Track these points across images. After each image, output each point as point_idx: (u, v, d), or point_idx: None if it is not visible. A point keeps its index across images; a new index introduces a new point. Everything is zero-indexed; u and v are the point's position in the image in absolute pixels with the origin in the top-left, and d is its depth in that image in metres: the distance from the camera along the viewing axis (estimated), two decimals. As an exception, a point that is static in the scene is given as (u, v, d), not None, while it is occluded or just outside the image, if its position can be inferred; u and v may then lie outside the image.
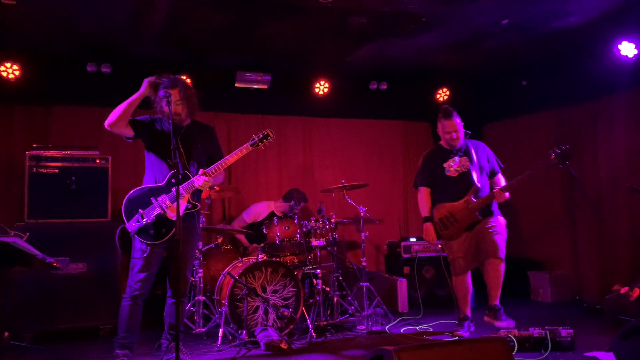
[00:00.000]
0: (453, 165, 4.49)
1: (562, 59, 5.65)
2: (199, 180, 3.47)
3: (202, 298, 4.57)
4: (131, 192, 3.58)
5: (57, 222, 4.67)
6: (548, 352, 3.79)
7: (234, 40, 5.13)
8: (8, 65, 5.17)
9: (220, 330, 4.27)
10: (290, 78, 6.18)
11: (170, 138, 3.25)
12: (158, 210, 3.46)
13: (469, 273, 4.53)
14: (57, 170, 4.76)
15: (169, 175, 3.57)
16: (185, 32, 4.94)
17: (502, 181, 4.55)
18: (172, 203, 3.46)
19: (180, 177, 3.27)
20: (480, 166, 4.52)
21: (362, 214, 5.05)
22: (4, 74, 5.17)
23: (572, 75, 5.72)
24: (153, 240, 3.48)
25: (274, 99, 6.23)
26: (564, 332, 3.92)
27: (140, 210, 3.48)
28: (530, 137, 6.45)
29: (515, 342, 3.84)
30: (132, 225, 3.48)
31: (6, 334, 4.08)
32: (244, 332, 4.24)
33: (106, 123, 3.55)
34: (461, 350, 2.54)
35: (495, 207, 4.48)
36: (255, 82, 5.99)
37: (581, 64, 5.50)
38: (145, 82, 3.52)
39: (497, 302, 4.30)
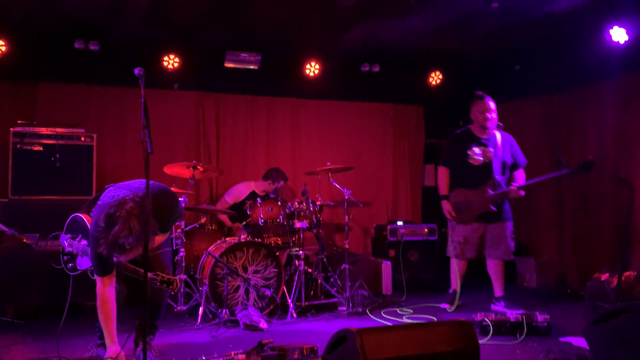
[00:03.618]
0: (476, 154, 4.66)
1: (553, 44, 5.59)
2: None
3: (183, 277, 4.59)
4: (82, 216, 3.32)
5: (41, 199, 4.70)
6: (523, 336, 3.82)
7: (222, 19, 5.09)
8: (-6, 40, 5.15)
9: (201, 309, 4.32)
10: (280, 59, 6.13)
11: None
12: (71, 249, 3.30)
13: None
14: (41, 148, 4.78)
15: None
16: (170, 10, 4.89)
17: (520, 177, 4.74)
18: (81, 257, 3.26)
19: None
20: (503, 159, 4.69)
21: (346, 197, 5.04)
22: (-10, 49, 5.14)
23: (563, 61, 5.66)
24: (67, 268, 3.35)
25: (264, 79, 6.17)
26: (541, 317, 3.94)
27: (70, 234, 3.34)
28: (521, 123, 6.40)
29: (491, 326, 3.87)
30: (63, 239, 3.36)
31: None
32: (225, 310, 4.28)
33: None
34: (424, 333, 2.57)
35: (508, 208, 4.76)
36: (247, 62, 5.94)
37: (572, 49, 5.44)
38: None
39: (502, 292, 4.82)
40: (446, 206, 4.77)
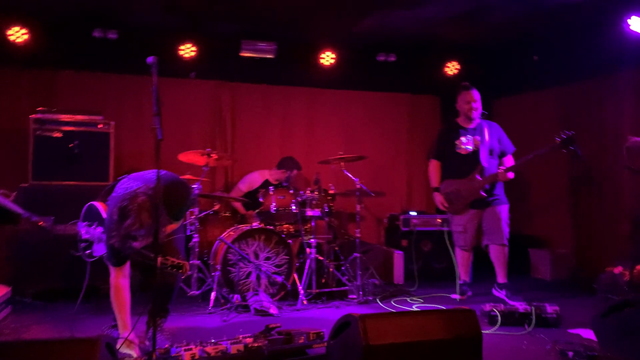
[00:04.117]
0: (464, 143, 4.73)
1: (570, 33, 5.52)
2: None
3: (197, 262, 4.68)
4: (98, 205, 3.42)
5: (60, 184, 4.82)
6: (531, 327, 3.82)
7: (237, 7, 5.12)
8: (17, 29, 5.25)
9: (212, 294, 4.41)
10: (296, 48, 6.14)
11: None
12: (88, 237, 3.40)
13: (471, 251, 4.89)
14: (60, 134, 4.89)
15: None
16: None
17: (509, 161, 4.77)
18: (97, 244, 3.35)
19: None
20: (490, 146, 4.74)
21: (357, 186, 5.07)
22: (12, 37, 5.25)
23: (581, 51, 5.57)
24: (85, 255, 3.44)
25: (279, 68, 6.21)
26: (550, 308, 3.94)
27: (87, 222, 3.41)
28: (537, 114, 6.35)
29: (499, 316, 3.88)
30: (80, 227, 3.46)
31: (9, 289, 4.25)
32: (236, 296, 4.36)
33: None
34: (427, 320, 2.60)
35: (502, 192, 4.74)
36: (264, 52, 5.98)
37: (590, 39, 5.36)
38: None
39: (505, 279, 4.74)
40: (438, 198, 4.86)
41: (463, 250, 4.87)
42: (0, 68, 5.44)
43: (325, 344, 3.04)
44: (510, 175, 4.62)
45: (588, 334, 3.67)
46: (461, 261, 4.91)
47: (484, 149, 4.71)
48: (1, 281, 4.35)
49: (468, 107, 4.73)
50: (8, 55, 5.34)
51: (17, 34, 5.26)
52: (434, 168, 4.93)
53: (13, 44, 5.28)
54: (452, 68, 6.71)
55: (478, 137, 4.74)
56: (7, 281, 4.47)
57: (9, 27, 5.23)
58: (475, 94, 4.74)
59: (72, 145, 4.86)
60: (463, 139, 4.74)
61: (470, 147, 4.72)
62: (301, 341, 3.12)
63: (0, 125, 5.38)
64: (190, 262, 4.69)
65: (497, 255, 4.76)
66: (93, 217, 3.42)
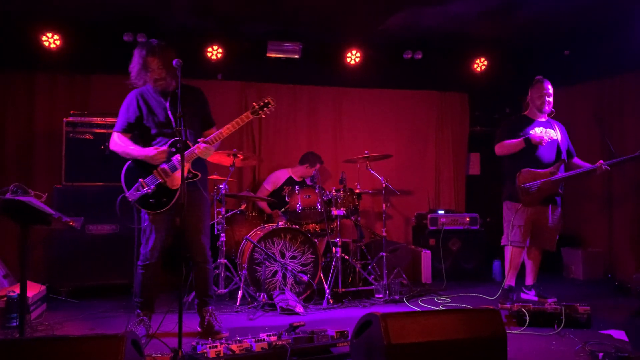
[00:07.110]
0: (540, 133, 4.45)
1: (603, 27, 5.37)
2: (200, 147, 3.43)
3: (224, 261, 4.74)
4: (129, 161, 3.58)
5: (91, 185, 4.96)
6: (561, 327, 3.74)
7: (263, 7, 5.16)
8: (50, 35, 5.41)
9: (240, 292, 4.46)
10: (321, 47, 6.16)
11: (162, 110, 3.54)
12: (159, 180, 3.47)
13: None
14: (92, 136, 5.03)
15: (168, 143, 3.51)
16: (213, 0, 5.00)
17: (580, 163, 4.61)
18: (172, 172, 3.46)
19: (179, 145, 3.30)
20: (562, 143, 4.58)
21: (383, 185, 5.05)
22: (46, 43, 5.42)
23: (615, 45, 5.42)
24: (154, 209, 3.49)
25: (305, 68, 6.23)
26: (581, 308, 3.85)
27: (140, 179, 3.49)
28: (570, 110, 6.20)
29: (527, 316, 3.81)
30: (132, 195, 3.49)
31: (44, 287, 4.39)
32: (263, 294, 4.40)
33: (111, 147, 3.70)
34: (450, 319, 2.57)
35: (560, 198, 4.59)
36: (290, 52, 6.00)
37: (624, 32, 5.20)
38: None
39: (534, 281, 4.75)
40: (535, 134, 4.38)
41: (517, 247, 4.48)
42: (35, 73, 5.61)
43: (349, 342, 3.04)
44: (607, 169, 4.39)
45: (620, 334, 3.57)
46: (514, 260, 4.51)
47: (561, 144, 4.52)
48: (36, 280, 4.49)
49: (541, 100, 4.53)
50: (42, 60, 5.51)
51: (51, 40, 5.42)
52: (505, 144, 4.53)
53: (47, 49, 5.45)
54: (480, 64, 6.61)
55: (552, 130, 4.52)
56: (42, 280, 4.63)
57: (43, 33, 5.40)
58: (549, 87, 4.56)
59: (103, 147, 4.99)
60: (537, 129, 4.46)
61: (547, 138, 4.43)
62: (325, 340, 3.13)
63: (35, 128, 5.56)
64: (218, 261, 4.76)
65: (537, 258, 4.69)
66: (134, 179, 3.53)
